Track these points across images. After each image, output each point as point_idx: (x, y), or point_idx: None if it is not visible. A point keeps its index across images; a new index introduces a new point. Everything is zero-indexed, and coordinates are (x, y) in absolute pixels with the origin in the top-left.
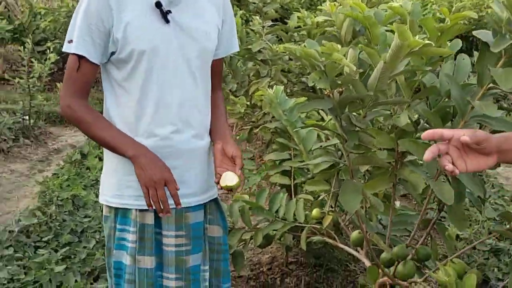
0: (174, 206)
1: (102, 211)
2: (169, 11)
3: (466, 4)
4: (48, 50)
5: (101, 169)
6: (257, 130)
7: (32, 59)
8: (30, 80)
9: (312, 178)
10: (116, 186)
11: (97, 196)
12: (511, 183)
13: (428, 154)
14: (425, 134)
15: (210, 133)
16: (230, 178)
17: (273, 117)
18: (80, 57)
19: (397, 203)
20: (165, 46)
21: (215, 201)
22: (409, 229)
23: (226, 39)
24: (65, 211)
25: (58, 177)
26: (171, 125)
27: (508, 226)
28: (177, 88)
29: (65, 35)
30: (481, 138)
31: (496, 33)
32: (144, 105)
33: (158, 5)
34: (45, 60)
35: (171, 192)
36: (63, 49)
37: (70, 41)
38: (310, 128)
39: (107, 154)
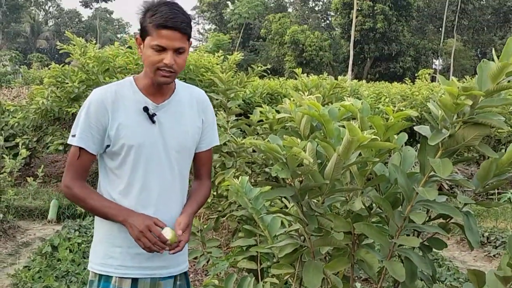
0: (150, 276)
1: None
2: (155, 114)
3: (418, 98)
4: (18, 146)
5: (72, 260)
6: (224, 219)
7: (4, 155)
8: (1, 175)
9: (277, 262)
10: (102, 255)
11: (68, 286)
12: (466, 266)
13: None
14: None
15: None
16: (167, 233)
17: (239, 206)
18: (81, 149)
19: (358, 285)
20: (150, 142)
21: (185, 276)
22: None
23: (208, 134)
24: None
25: (30, 269)
26: (153, 207)
27: None
28: (158, 177)
29: (33, 131)
30: None
31: (433, 129)
32: (130, 189)
33: (145, 109)
34: (15, 155)
35: (156, 234)
36: (68, 142)
37: (74, 136)
38: (275, 215)
39: (96, 227)
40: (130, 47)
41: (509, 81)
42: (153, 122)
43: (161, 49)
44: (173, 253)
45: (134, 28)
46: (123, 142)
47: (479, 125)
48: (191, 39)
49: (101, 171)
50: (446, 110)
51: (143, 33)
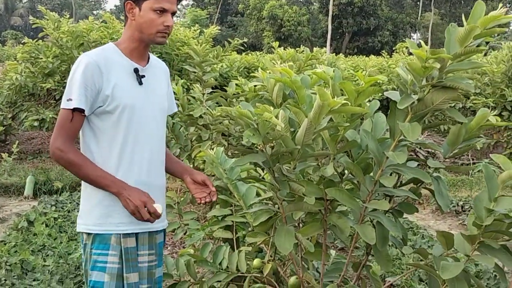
0: (149, 230)
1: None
2: (144, 76)
3: (395, 71)
4: None
5: (49, 234)
6: None
7: None
8: None
9: (252, 231)
10: (98, 216)
11: (45, 260)
12: None
13: None
14: None
15: (173, 173)
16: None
17: (213, 175)
18: (74, 111)
19: (333, 252)
20: (140, 103)
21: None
22: (345, 277)
23: (170, 101)
24: (14, 275)
25: (6, 244)
26: (146, 165)
27: (423, 262)
28: (149, 137)
29: (8, 107)
30: None
31: (402, 93)
32: (125, 148)
33: (136, 70)
34: None
35: (150, 210)
36: (63, 107)
37: (70, 100)
38: (250, 185)
39: (91, 190)
40: (105, 22)
41: (478, 45)
42: (140, 83)
43: (163, 12)
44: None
45: (110, 4)
46: (118, 102)
47: (447, 88)
48: None
49: (87, 134)
50: (415, 74)
51: None
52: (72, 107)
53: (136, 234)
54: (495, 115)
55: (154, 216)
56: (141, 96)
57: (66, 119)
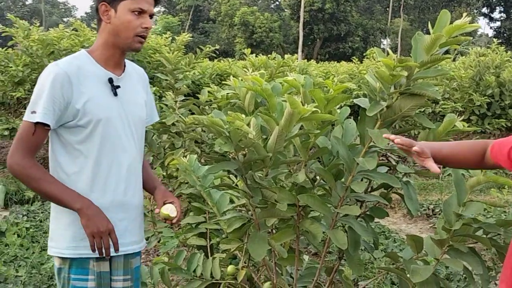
0: (124, 253)
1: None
2: (118, 86)
3: (365, 76)
4: None
5: (21, 245)
6: None
7: None
8: None
9: (226, 238)
10: (71, 238)
11: (17, 270)
12: None
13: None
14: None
15: (145, 187)
16: (171, 209)
17: (187, 182)
18: (36, 124)
19: (306, 257)
20: (114, 115)
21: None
22: (318, 281)
23: (150, 110)
24: None
25: None
26: (123, 183)
27: (395, 265)
28: (126, 152)
29: None
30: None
31: (371, 100)
32: (100, 165)
33: (111, 80)
34: None
35: (113, 240)
36: (26, 119)
37: (34, 112)
38: (223, 192)
39: (61, 210)
40: (75, 29)
41: (446, 52)
42: (115, 94)
43: (140, 13)
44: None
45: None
46: (90, 116)
47: (415, 95)
48: None
49: (55, 148)
50: (383, 81)
51: None
52: (35, 121)
53: (110, 257)
54: (464, 119)
55: (109, 251)
56: (116, 108)
57: (28, 132)
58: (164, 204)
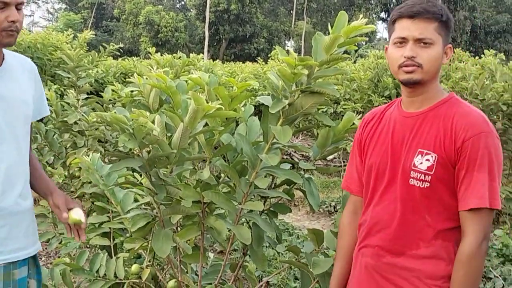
0: (3, 263)
1: None
2: None
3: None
4: None
5: None
6: (77, 199)
7: None
8: None
9: (130, 237)
10: None
11: None
12: None
13: None
14: None
15: (37, 192)
16: (81, 214)
17: (89, 182)
18: None
19: (211, 255)
20: None
21: (34, 258)
22: (222, 278)
23: (39, 105)
24: None
25: None
26: (0, 185)
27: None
28: (3, 153)
29: None
30: None
31: (273, 98)
32: None
33: None
34: None
35: None
36: None
37: None
38: (127, 190)
39: None
40: None
41: (345, 52)
42: None
43: (4, 6)
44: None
45: None
46: None
47: (315, 93)
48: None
49: None
50: (285, 79)
51: None
52: None
53: None
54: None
55: None
56: None
57: None
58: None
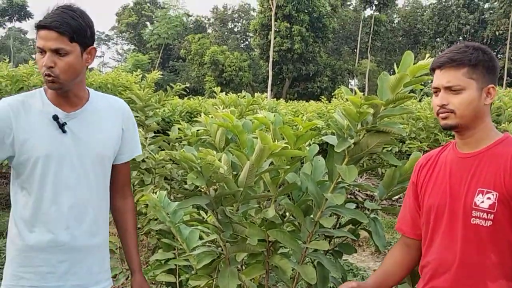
0: None
1: None
2: (65, 123)
3: (334, 115)
4: None
5: None
6: (144, 235)
7: None
8: None
9: (195, 274)
10: (11, 276)
11: None
12: None
13: None
14: None
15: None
16: None
17: (156, 219)
18: None
19: None
20: (59, 153)
21: None
22: None
23: (128, 145)
24: None
25: None
26: (64, 222)
27: None
28: (70, 190)
29: None
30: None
31: (339, 137)
32: (39, 204)
33: (55, 118)
34: None
35: None
36: None
37: None
38: (193, 228)
39: (8, 246)
40: None
41: (412, 91)
42: (64, 131)
43: (42, 51)
44: None
45: None
46: (29, 153)
47: (381, 132)
48: (92, 48)
49: (12, 184)
50: (350, 119)
51: None
52: None
53: None
54: None
55: None
56: (63, 144)
57: None
58: None
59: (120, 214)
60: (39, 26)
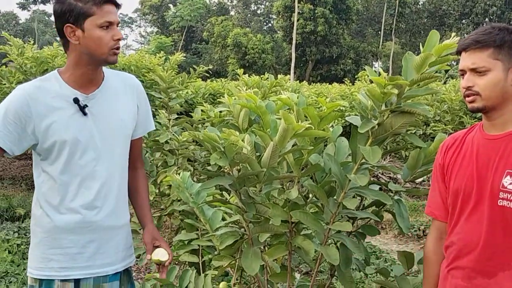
0: (93, 276)
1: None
2: (86, 105)
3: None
4: None
5: (12, 261)
6: (167, 216)
7: None
8: None
9: (218, 254)
10: (40, 259)
11: (8, 287)
12: None
13: None
14: None
15: (137, 216)
16: (162, 254)
17: (179, 200)
18: None
19: (297, 275)
20: (84, 135)
21: (128, 273)
22: None
23: (143, 120)
24: None
25: None
26: (91, 204)
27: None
28: (96, 172)
29: None
30: None
31: (362, 118)
32: (66, 187)
33: (76, 100)
34: None
35: None
36: None
37: None
38: (216, 208)
39: (33, 230)
40: None
41: (437, 71)
42: (85, 114)
43: (109, 26)
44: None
45: None
46: (54, 139)
47: (405, 113)
48: None
49: (35, 170)
50: (374, 99)
51: (79, 18)
52: None
53: (78, 280)
54: None
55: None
56: (86, 126)
57: None
58: (154, 247)
59: (131, 181)
60: (106, 1)
